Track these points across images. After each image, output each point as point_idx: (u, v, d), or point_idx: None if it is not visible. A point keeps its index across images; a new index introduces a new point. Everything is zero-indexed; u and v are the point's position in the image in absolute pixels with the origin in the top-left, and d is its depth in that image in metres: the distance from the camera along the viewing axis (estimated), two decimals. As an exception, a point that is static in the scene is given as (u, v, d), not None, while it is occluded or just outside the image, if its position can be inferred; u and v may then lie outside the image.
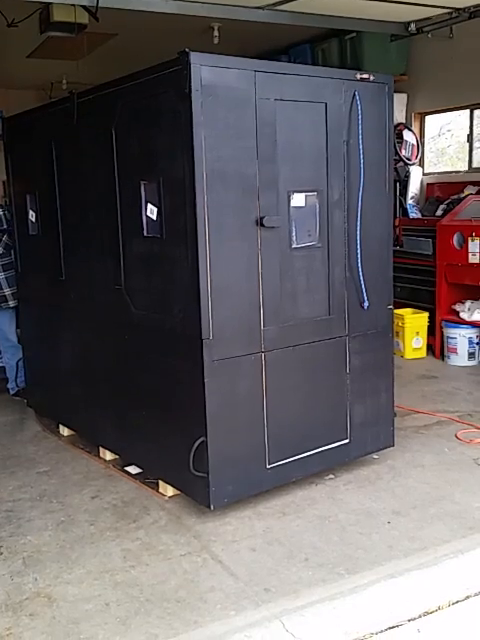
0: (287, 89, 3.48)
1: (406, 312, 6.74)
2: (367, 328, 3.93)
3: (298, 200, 3.58)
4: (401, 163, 7.37)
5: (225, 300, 3.37)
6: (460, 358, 6.38)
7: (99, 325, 4.21)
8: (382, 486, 3.87)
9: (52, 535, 3.45)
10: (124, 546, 3.31)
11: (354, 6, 5.87)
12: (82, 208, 4.22)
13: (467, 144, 7.32)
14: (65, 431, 4.81)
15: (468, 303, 6.42)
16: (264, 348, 3.53)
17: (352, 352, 3.88)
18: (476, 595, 2.91)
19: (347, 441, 3.92)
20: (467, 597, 2.89)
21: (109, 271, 3.97)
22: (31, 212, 4.79)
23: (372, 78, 3.77)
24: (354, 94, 3.69)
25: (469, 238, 6.13)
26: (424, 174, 7.64)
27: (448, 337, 6.45)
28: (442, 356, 6.58)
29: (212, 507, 3.45)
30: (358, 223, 3.76)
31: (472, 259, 6.12)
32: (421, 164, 7.67)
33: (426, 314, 6.71)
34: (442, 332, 6.55)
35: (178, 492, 3.74)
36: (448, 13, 6.31)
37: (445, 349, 6.51)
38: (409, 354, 6.67)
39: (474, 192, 6.78)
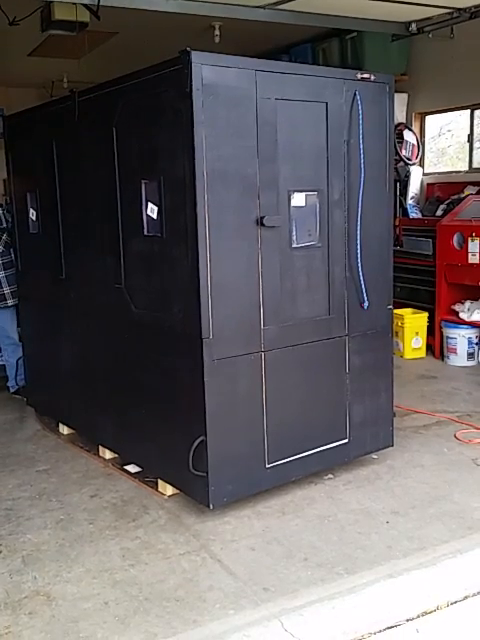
0: (288, 88, 3.48)
1: (406, 312, 6.74)
2: (367, 328, 3.94)
3: (298, 199, 3.58)
4: (401, 163, 7.37)
5: (225, 299, 3.37)
6: (459, 358, 6.38)
7: (99, 324, 4.21)
8: (381, 486, 3.87)
9: (51, 534, 3.45)
10: (123, 545, 3.31)
11: (355, 6, 5.87)
12: (82, 207, 4.22)
13: (467, 144, 7.32)
14: (65, 430, 4.81)
15: (468, 303, 6.43)
16: (264, 347, 3.53)
17: (352, 352, 3.88)
18: (475, 595, 2.91)
19: (346, 441, 3.92)
20: (466, 597, 2.89)
21: (109, 270, 3.97)
22: (31, 210, 4.79)
23: (373, 78, 3.77)
24: (355, 94, 3.69)
25: (469, 238, 6.13)
26: (424, 174, 7.64)
27: (448, 337, 6.45)
28: (442, 356, 6.58)
29: (211, 506, 3.45)
30: (358, 223, 3.76)
31: (472, 259, 6.12)
32: (421, 164, 7.67)
33: (426, 314, 6.71)
34: (442, 332, 6.55)
35: (177, 491, 3.74)
36: (449, 13, 6.31)
37: (445, 349, 6.52)
38: (409, 354, 6.67)
39: (474, 192, 6.78)
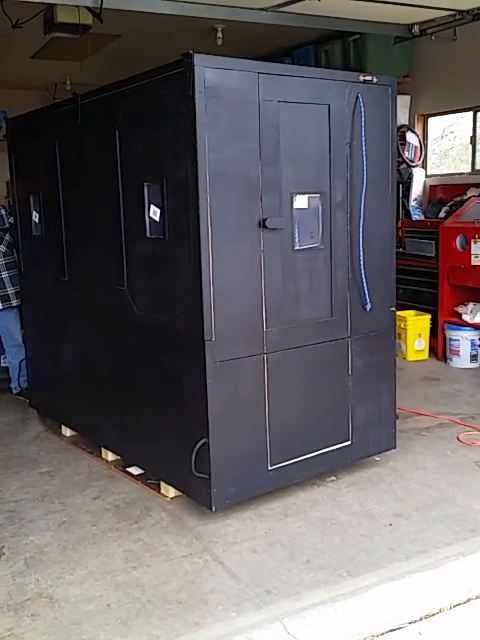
0: (290, 91, 3.48)
1: (408, 314, 6.73)
2: (369, 330, 3.93)
3: (301, 202, 3.58)
4: (404, 165, 7.36)
5: (228, 301, 3.37)
6: (462, 360, 6.37)
7: (101, 326, 4.22)
8: (384, 488, 3.87)
9: (54, 536, 3.45)
10: (126, 547, 3.31)
11: (357, 8, 5.87)
12: (85, 209, 4.22)
13: (470, 146, 7.31)
14: (67, 432, 4.81)
15: (471, 305, 6.42)
16: (266, 349, 3.53)
17: (354, 354, 3.88)
18: (477, 598, 2.91)
19: (349, 443, 3.92)
20: (468, 600, 2.89)
21: (112, 272, 3.97)
22: (34, 213, 4.80)
23: (375, 80, 3.77)
24: (357, 96, 3.69)
25: (472, 240, 6.12)
26: (427, 176, 7.63)
27: (450, 339, 6.44)
28: (444, 358, 6.57)
29: (214, 508, 3.45)
30: (361, 225, 3.76)
31: (475, 261, 6.11)
32: (424, 166, 7.66)
33: (428, 316, 6.71)
34: (444, 334, 6.54)
35: (180, 493, 3.74)
36: (451, 15, 6.31)
37: (447, 351, 6.51)
38: (411, 356, 6.66)
39: (477, 194, 6.77)
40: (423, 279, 6.83)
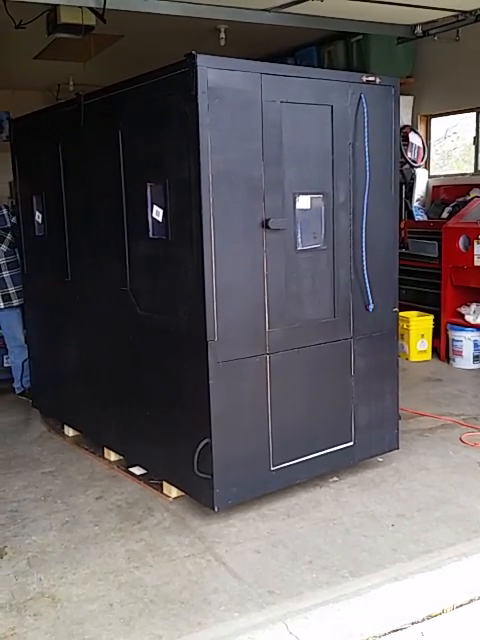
0: (293, 91, 3.48)
1: (411, 315, 6.73)
2: (372, 330, 3.93)
3: (304, 202, 3.59)
4: (407, 166, 7.37)
5: (230, 302, 3.37)
6: (465, 361, 6.36)
7: (104, 326, 4.22)
8: (386, 489, 3.87)
9: (56, 535, 3.45)
10: (128, 547, 3.31)
11: (360, 9, 5.87)
12: (88, 209, 4.23)
13: (473, 147, 7.31)
14: (70, 432, 4.82)
15: (474, 306, 6.41)
16: (269, 350, 3.53)
17: (357, 354, 3.88)
18: (480, 598, 2.91)
19: (351, 443, 3.92)
20: (471, 600, 2.89)
21: (115, 272, 3.98)
22: (37, 213, 4.81)
23: (378, 81, 3.77)
24: (360, 97, 3.69)
25: (475, 241, 6.12)
26: (430, 177, 7.63)
27: (453, 340, 6.44)
28: (447, 359, 6.56)
29: (216, 509, 3.45)
30: (364, 225, 3.76)
31: (478, 262, 6.11)
32: (427, 167, 7.66)
33: (431, 317, 6.70)
34: (447, 335, 6.54)
35: (182, 493, 3.74)
36: (454, 16, 6.30)
37: (450, 352, 6.50)
38: (414, 357, 6.66)
39: (480, 195, 6.77)
40: (426, 280, 6.83)
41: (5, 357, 5.86)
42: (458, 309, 6.52)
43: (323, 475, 3.91)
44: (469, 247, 6.20)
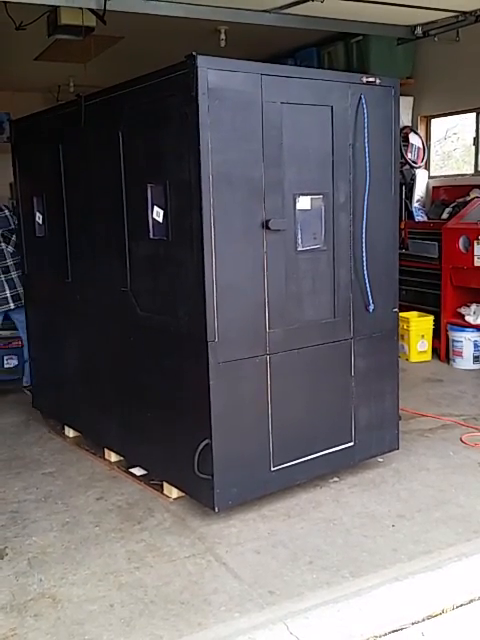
0: (293, 92, 3.49)
1: (411, 315, 6.73)
2: (372, 331, 3.94)
3: (304, 203, 3.59)
4: (407, 166, 7.37)
5: (230, 302, 3.37)
6: (465, 361, 6.36)
7: (105, 327, 4.22)
8: (387, 489, 3.87)
9: (57, 536, 3.46)
10: (129, 547, 3.31)
11: (360, 9, 5.87)
12: (89, 210, 4.23)
13: (473, 147, 7.31)
14: (70, 432, 4.82)
15: (474, 306, 6.41)
16: (269, 350, 3.53)
17: (357, 355, 3.88)
18: (480, 599, 2.91)
19: (352, 444, 3.92)
20: (471, 601, 2.89)
21: (115, 273, 3.98)
22: (38, 214, 4.81)
23: (378, 81, 3.77)
24: (360, 97, 3.69)
25: (475, 241, 6.12)
26: (430, 177, 7.63)
27: (453, 340, 6.44)
28: (447, 359, 6.56)
29: (217, 509, 3.46)
30: (364, 226, 3.76)
31: (478, 262, 6.11)
32: (427, 167, 7.66)
33: (431, 317, 6.70)
34: (447, 335, 6.54)
35: (183, 494, 3.74)
36: (454, 16, 6.31)
37: (450, 352, 6.50)
38: (414, 357, 6.66)
39: (480, 195, 6.77)
40: (426, 280, 6.83)
41: (5, 358, 5.89)
42: (458, 310, 6.52)
43: (323, 476, 3.91)
44: (469, 248, 6.20)
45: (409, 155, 7.37)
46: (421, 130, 7.69)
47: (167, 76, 3.36)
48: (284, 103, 3.45)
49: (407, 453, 4.30)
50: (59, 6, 5.45)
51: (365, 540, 3.32)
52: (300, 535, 3.38)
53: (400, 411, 4.20)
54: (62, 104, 4.64)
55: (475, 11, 6.15)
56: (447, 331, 6.54)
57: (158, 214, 3.56)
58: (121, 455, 4.29)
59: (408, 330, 6.58)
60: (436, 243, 6.64)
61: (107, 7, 5.21)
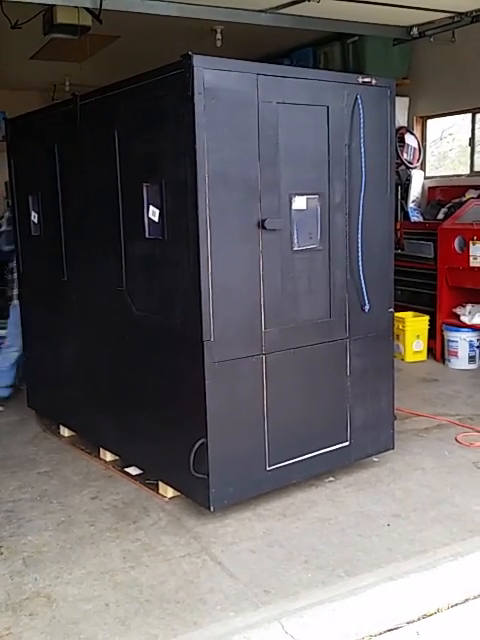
0: (289, 92, 3.49)
1: (407, 315, 6.75)
2: (368, 331, 3.94)
3: (300, 203, 3.59)
4: (403, 167, 7.38)
5: (226, 302, 3.38)
6: (461, 361, 6.38)
7: (100, 326, 4.22)
8: (382, 489, 3.88)
9: (52, 535, 3.45)
10: (124, 547, 3.31)
11: (356, 10, 5.88)
12: (84, 209, 4.23)
13: (469, 148, 7.33)
14: (66, 432, 4.82)
15: (469, 306, 6.43)
16: (265, 350, 3.54)
17: (353, 355, 3.89)
18: (475, 598, 2.92)
19: (347, 443, 3.93)
20: (466, 600, 2.90)
21: (111, 272, 3.98)
22: (33, 213, 4.81)
23: (374, 82, 3.78)
24: (356, 98, 3.70)
25: (470, 242, 6.14)
26: (426, 178, 7.65)
27: (449, 340, 6.46)
28: (443, 359, 6.58)
29: (212, 508, 3.46)
30: (359, 226, 3.77)
31: (473, 263, 6.13)
32: (423, 168, 7.68)
33: (427, 317, 6.72)
34: (443, 335, 6.56)
35: (178, 493, 3.75)
36: (450, 17, 6.32)
37: (446, 352, 6.52)
38: (410, 357, 6.67)
39: (475, 196, 6.79)
40: (421, 280, 6.84)
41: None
42: (453, 310, 6.53)
43: (319, 475, 3.92)
44: (464, 248, 6.22)
45: (405, 155, 7.39)
46: (417, 130, 7.70)
47: (163, 75, 3.36)
48: (280, 103, 3.45)
49: (402, 453, 4.31)
50: (55, 5, 5.44)
51: (360, 539, 3.32)
52: (296, 534, 3.39)
53: (395, 411, 4.20)
54: (58, 103, 4.64)
55: (471, 12, 6.16)
56: (442, 331, 6.56)
57: (154, 213, 3.56)
58: (116, 454, 4.29)
59: (404, 330, 6.60)
60: (431, 243, 6.65)
61: (103, 6, 5.20)
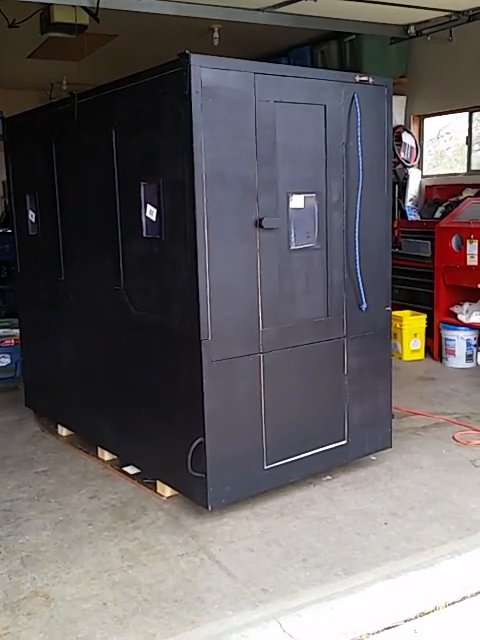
0: (286, 91, 3.49)
1: (404, 314, 6.75)
2: (365, 329, 3.95)
3: (297, 202, 3.59)
4: (400, 165, 7.39)
5: (224, 301, 3.38)
6: (458, 360, 6.39)
7: (98, 325, 4.22)
8: (380, 487, 3.88)
9: (50, 535, 3.45)
10: (122, 546, 3.31)
11: (353, 8, 5.88)
12: (82, 209, 4.23)
13: (466, 146, 7.34)
14: (64, 431, 4.82)
15: (466, 305, 6.44)
16: (262, 349, 3.54)
17: (350, 353, 3.89)
18: (473, 596, 2.92)
19: (345, 442, 3.93)
20: (463, 598, 2.90)
21: (108, 271, 3.98)
22: (31, 212, 4.81)
23: (371, 80, 3.78)
24: (353, 96, 3.70)
25: (467, 240, 6.15)
26: (423, 176, 7.66)
27: (446, 339, 6.46)
28: (440, 358, 6.59)
29: (210, 507, 3.46)
30: (357, 225, 3.77)
31: (470, 261, 6.14)
32: (420, 166, 7.68)
33: (424, 316, 6.73)
34: (440, 334, 6.57)
35: (176, 492, 3.75)
36: (447, 16, 6.32)
37: (443, 351, 6.53)
38: (407, 356, 6.68)
39: (472, 194, 6.80)
40: (419, 279, 6.85)
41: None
42: (451, 308, 6.54)
43: (317, 474, 3.92)
44: (462, 247, 6.23)
45: (402, 154, 7.39)
46: (414, 129, 7.71)
47: (160, 74, 3.36)
48: (277, 102, 3.45)
49: (400, 451, 4.32)
50: (52, 3, 5.44)
51: (358, 538, 3.33)
52: (293, 533, 3.39)
53: (393, 409, 4.21)
54: (55, 102, 4.64)
55: (468, 11, 6.16)
56: (440, 330, 6.57)
57: (151, 213, 3.56)
58: (114, 453, 4.29)
59: (401, 329, 6.61)
60: (429, 242, 6.66)
61: (100, 5, 5.20)
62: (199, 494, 3.48)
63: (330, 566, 3.08)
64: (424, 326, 6.71)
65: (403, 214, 7.30)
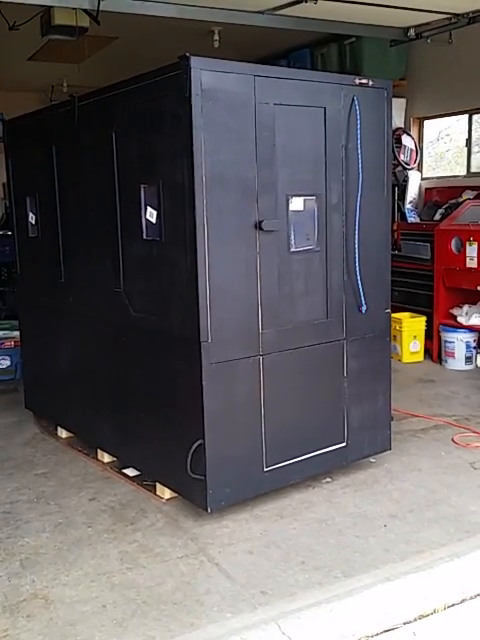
0: (286, 93, 3.49)
1: (404, 316, 6.76)
2: (365, 332, 3.95)
3: (297, 204, 3.60)
4: (400, 168, 7.40)
5: (224, 303, 3.38)
6: (457, 362, 6.39)
7: (98, 327, 4.22)
8: (379, 489, 3.88)
9: (49, 537, 3.45)
10: (121, 548, 3.31)
11: (353, 11, 5.89)
12: (82, 211, 4.23)
13: (465, 149, 7.35)
14: (63, 433, 4.81)
15: (466, 307, 6.44)
16: (262, 351, 3.54)
17: (350, 355, 3.89)
18: (472, 598, 2.92)
19: (344, 444, 3.93)
20: (463, 600, 2.90)
21: (108, 274, 3.98)
22: (31, 214, 4.81)
23: (371, 83, 3.79)
24: (353, 99, 3.70)
25: (467, 242, 6.15)
26: (422, 179, 7.67)
27: (446, 341, 6.47)
28: (439, 360, 6.59)
29: (209, 510, 3.46)
30: (356, 227, 3.77)
31: (470, 263, 6.14)
32: (419, 169, 7.69)
33: (424, 318, 6.73)
34: (440, 336, 6.57)
35: (175, 495, 3.74)
36: (447, 18, 6.34)
37: (442, 353, 6.53)
38: (406, 358, 6.68)
39: (472, 197, 6.81)
40: (418, 281, 6.86)
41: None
42: (450, 310, 6.55)
43: (316, 476, 3.92)
44: (461, 249, 6.23)
45: (402, 156, 7.40)
46: (414, 131, 7.72)
47: (161, 77, 3.36)
48: (277, 104, 3.45)
49: (399, 453, 4.32)
50: (52, 6, 5.45)
51: (357, 540, 3.33)
52: (293, 535, 3.39)
53: (392, 411, 4.21)
54: (56, 104, 4.64)
55: (468, 13, 6.18)
56: (439, 332, 6.57)
57: (151, 215, 3.56)
58: (114, 456, 4.29)
59: (400, 331, 6.61)
60: (428, 244, 6.67)
61: (101, 7, 5.21)
62: (198, 496, 3.48)
63: (329, 568, 3.08)
64: (424, 328, 6.71)
65: (403, 216, 7.31)
